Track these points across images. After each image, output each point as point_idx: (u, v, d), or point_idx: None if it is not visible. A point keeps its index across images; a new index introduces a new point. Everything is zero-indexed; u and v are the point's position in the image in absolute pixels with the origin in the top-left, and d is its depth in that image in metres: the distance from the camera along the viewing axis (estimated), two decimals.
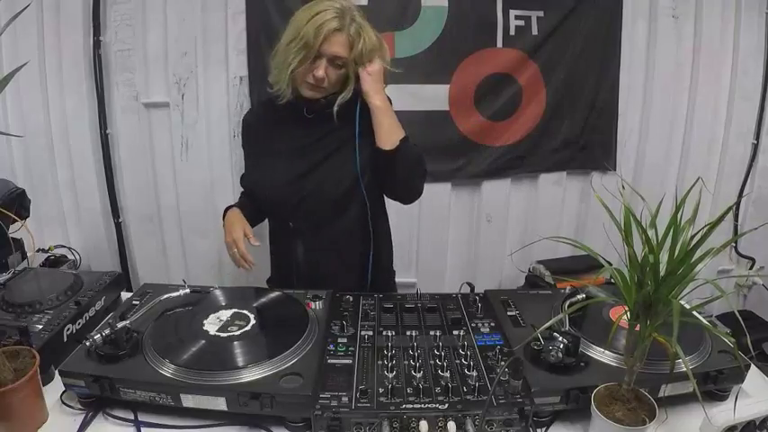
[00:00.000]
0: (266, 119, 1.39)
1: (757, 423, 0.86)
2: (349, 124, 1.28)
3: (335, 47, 1.19)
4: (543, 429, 0.90)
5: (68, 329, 1.07)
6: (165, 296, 1.12)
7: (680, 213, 0.75)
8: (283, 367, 0.92)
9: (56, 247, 2.20)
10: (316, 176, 1.30)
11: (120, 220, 2.35)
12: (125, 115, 2.20)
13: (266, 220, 1.49)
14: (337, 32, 1.18)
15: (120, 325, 0.96)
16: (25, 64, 0.92)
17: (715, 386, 0.94)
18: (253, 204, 1.42)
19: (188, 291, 1.16)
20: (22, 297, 1.14)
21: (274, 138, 1.35)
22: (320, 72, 1.20)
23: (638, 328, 0.79)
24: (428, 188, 2.41)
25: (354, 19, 1.20)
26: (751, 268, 2.65)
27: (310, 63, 1.20)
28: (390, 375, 0.91)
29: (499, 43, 2.19)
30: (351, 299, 1.20)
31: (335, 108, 1.25)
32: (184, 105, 2.17)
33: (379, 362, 0.96)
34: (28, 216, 1.76)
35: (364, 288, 1.39)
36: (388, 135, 1.26)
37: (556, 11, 2.19)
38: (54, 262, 2.11)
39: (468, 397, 0.87)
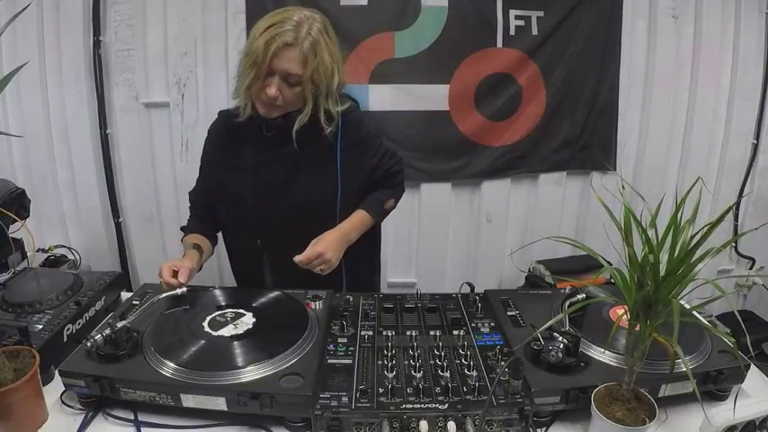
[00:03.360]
0: (229, 132, 1.29)
1: (757, 423, 0.86)
2: (309, 145, 1.21)
3: (287, 63, 1.09)
4: (543, 429, 0.90)
5: (68, 329, 1.07)
6: (165, 295, 1.12)
7: (680, 213, 0.75)
8: (283, 367, 0.92)
9: (56, 247, 2.20)
10: (292, 193, 1.25)
11: (120, 220, 2.35)
12: (125, 115, 2.21)
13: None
14: (289, 47, 1.08)
15: (120, 325, 0.96)
16: (25, 64, 0.92)
17: (715, 386, 0.94)
18: (206, 228, 1.39)
19: (185, 290, 1.16)
20: (22, 297, 1.14)
21: (237, 154, 1.27)
22: (272, 90, 1.11)
23: (638, 328, 0.79)
24: (428, 188, 2.43)
25: (311, 33, 1.10)
26: (751, 268, 2.65)
27: (263, 80, 1.12)
28: (390, 375, 0.91)
29: (499, 43, 2.19)
30: (351, 299, 1.20)
31: (294, 132, 1.16)
32: (184, 105, 2.17)
33: (379, 362, 0.96)
34: (28, 216, 1.76)
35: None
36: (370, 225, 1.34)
37: (556, 11, 2.19)
38: (54, 262, 2.11)
39: (468, 397, 0.87)
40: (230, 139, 1.29)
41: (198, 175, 1.40)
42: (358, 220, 1.30)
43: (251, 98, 1.17)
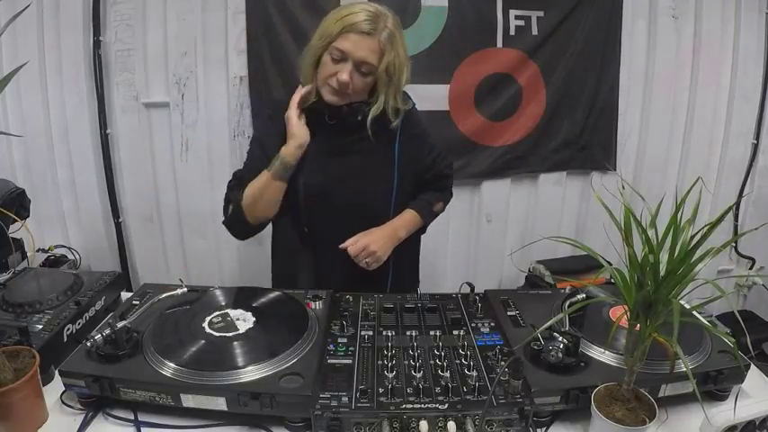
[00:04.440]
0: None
1: (757, 423, 0.86)
2: (373, 135, 1.22)
3: (363, 51, 1.11)
4: (543, 429, 0.90)
5: (68, 329, 1.07)
6: (165, 295, 1.12)
7: (680, 213, 0.75)
8: (283, 367, 0.92)
9: (56, 247, 2.20)
10: (349, 186, 1.26)
11: (120, 220, 2.35)
12: (125, 115, 2.20)
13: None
14: (367, 36, 1.10)
15: (120, 325, 0.96)
16: (25, 64, 0.92)
17: (715, 386, 0.94)
18: None
19: (185, 290, 1.16)
20: (22, 297, 1.13)
21: None
22: (344, 76, 1.11)
23: (638, 328, 0.79)
24: None
25: (387, 26, 1.12)
26: (751, 268, 2.65)
27: (335, 64, 1.13)
28: (390, 375, 0.91)
29: (499, 43, 2.19)
30: (351, 299, 1.20)
31: (369, 122, 1.19)
32: (184, 105, 2.17)
33: (379, 362, 0.96)
34: (28, 216, 1.76)
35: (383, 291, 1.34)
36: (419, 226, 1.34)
37: (556, 11, 2.19)
38: (54, 262, 2.11)
39: (468, 397, 0.87)
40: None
41: (247, 158, 1.34)
42: (408, 218, 1.31)
43: (316, 85, 1.19)
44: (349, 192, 1.27)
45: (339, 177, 1.26)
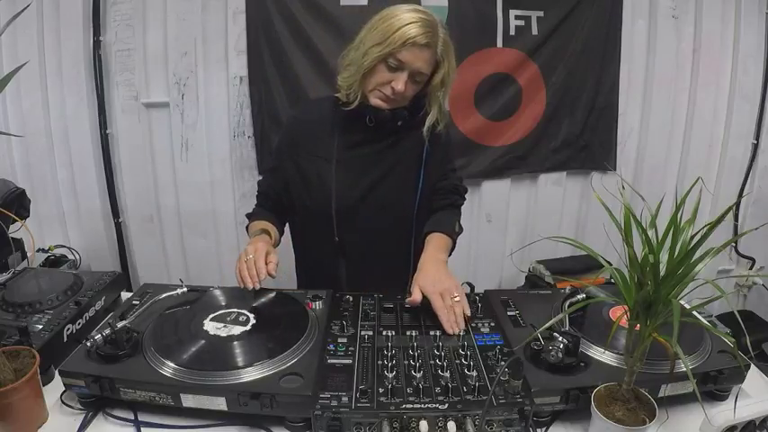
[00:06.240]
0: (321, 120, 1.30)
1: (757, 423, 0.86)
2: (404, 142, 1.27)
3: (420, 62, 1.14)
4: (543, 429, 0.90)
5: (68, 329, 1.07)
6: (165, 295, 1.12)
7: (680, 213, 0.75)
8: (283, 367, 0.92)
9: (56, 247, 2.20)
10: (379, 190, 1.27)
11: (120, 220, 2.35)
12: (125, 115, 2.21)
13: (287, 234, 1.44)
14: (425, 48, 1.13)
15: (120, 325, 0.96)
16: (25, 64, 0.92)
17: (715, 386, 0.94)
18: (274, 217, 1.36)
19: (185, 290, 1.16)
20: (22, 297, 1.13)
21: (331, 142, 1.27)
22: (400, 85, 1.14)
23: (638, 328, 0.79)
24: None
25: (441, 35, 1.15)
26: (751, 268, 2.66)
27: (390, 72, 1.15)
28: (390, 375, 0.91)
29: (499, 43, 2.19)
30: (351, 299, 1.20)
31: (425, 131, 1.23)
32: (184, 105, 2.17)
33: (379, 362, 0.96)
34: (28, 216, 1.76)
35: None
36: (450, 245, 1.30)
37: (556, 11, 2.19)
38: (54, 262, 2.11)
39: (468, 397, 0.87)
40: (326, 127, 1.28)
41: (271, 164, 1.40)
42: (439, 242, 1.27)
43: (363, 88, 1.19)
44: (379, 197, 1.28)
45: (370, 185, 1.28)
